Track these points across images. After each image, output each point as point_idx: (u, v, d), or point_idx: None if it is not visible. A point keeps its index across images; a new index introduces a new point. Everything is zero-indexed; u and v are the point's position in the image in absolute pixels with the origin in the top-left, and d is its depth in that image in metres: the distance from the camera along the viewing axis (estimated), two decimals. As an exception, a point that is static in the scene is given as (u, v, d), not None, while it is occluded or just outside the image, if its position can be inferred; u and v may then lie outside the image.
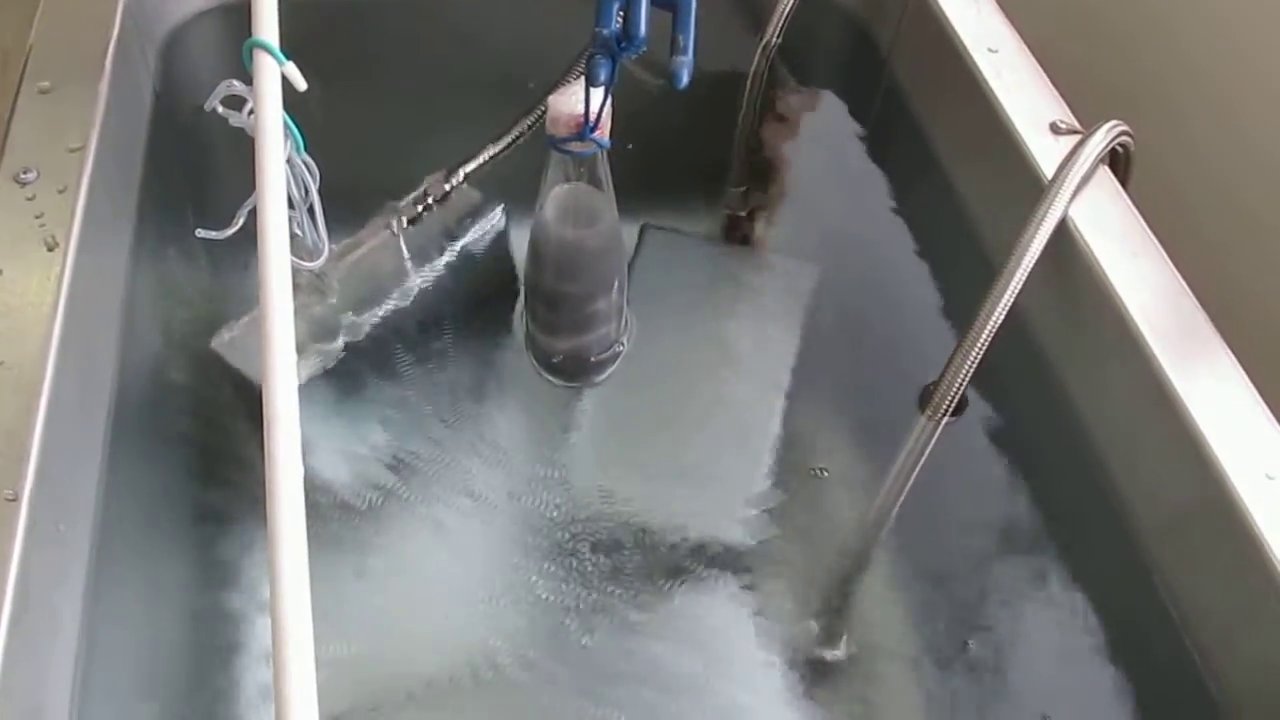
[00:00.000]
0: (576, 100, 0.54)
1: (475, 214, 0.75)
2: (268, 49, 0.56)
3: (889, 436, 0.72)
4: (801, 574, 0.68)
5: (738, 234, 0.87)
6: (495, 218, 0.75)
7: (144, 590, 0.61)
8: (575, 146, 0.56)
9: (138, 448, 0.61)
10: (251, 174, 0.51)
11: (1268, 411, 0.55)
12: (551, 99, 0.55)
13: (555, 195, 0.61)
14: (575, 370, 0.71)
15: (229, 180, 0.74)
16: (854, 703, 0.64)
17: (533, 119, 0.74)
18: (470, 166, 0.73)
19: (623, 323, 0.70)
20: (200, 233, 0.61)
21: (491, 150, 0.74)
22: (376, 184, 0.75)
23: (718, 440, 0.71)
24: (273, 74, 0.56)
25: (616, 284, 0.65)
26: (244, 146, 0.53)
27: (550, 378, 0.71)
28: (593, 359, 0.69)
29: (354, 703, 0.61)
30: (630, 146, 0.83)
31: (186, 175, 0.75)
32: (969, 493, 0.69)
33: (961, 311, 0.73)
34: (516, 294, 0.79)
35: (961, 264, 0.76)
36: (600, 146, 0.56)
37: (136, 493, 0.60)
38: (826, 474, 0.72)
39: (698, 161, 0.90)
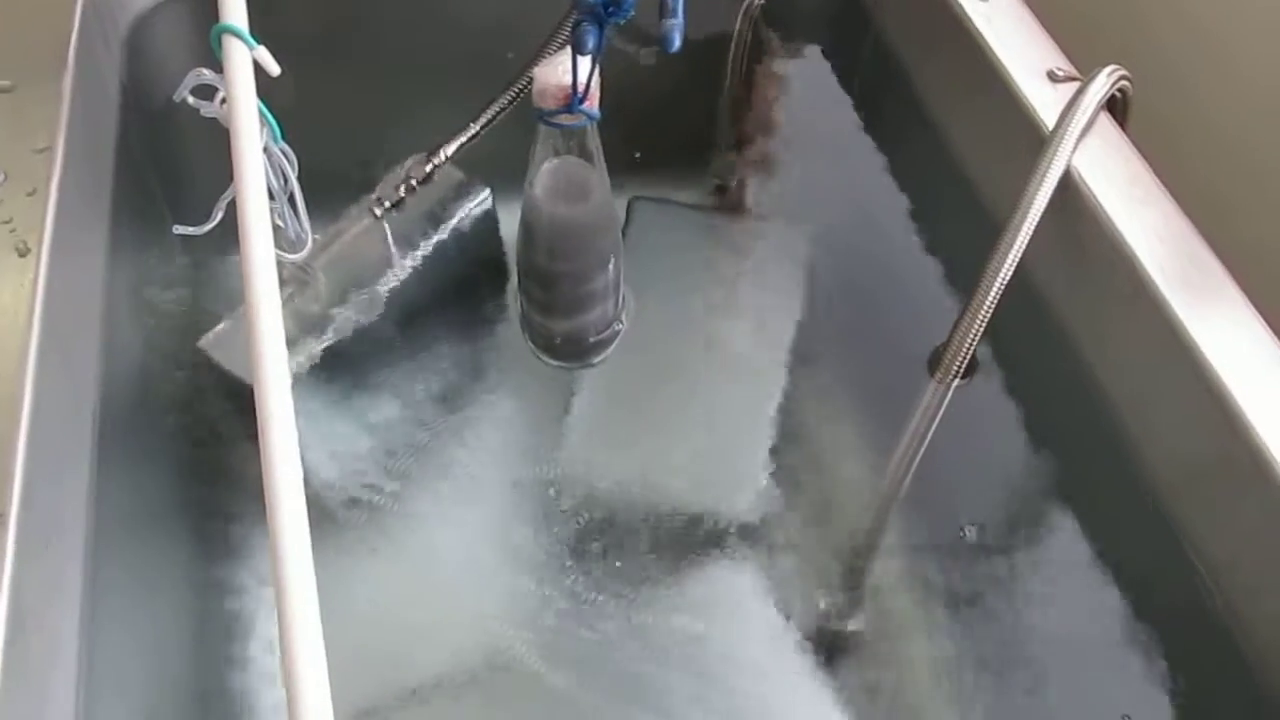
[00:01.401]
0: (563, 71, 0.52)
1: (460, 195, 0.73)
2: (237, 34, 0.54)
3: (897, 400, 0.70)
4: (814, 545, 0.67)
5: (729, 202, 0.86)
6: (481, 198, 0.73)
7: (144, 599, 0.59)
8: (564, 119, 0.54)
9: (127, 455, 0.59)
10: (228, 165, 0.49)
11: None
12: (537, 70, 0.53)
13: (545, 171, 0.59)
14: (574, 351, 0.69)
15: (205, 173, 0.71)
16: (873, 673, 0.63)
17: (515, 93, 0.72)
18: (452, 147, 0.71)
19: (620, 300, 0.68)
20: (178, 229, 0.59)
21: (473, 128, 0.71)
22: (356, 169, 0.73)
23: (722, 414, 0.70)
24: (244, 60, 0.54)
25: (612, 260, 0.63)
26: (218, 137, 0.51)
27: (548, 360, 0.70)
28: (592, 339, 0.68)
29: (375, 701, 0.60)
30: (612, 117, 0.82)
31: (160, 170, 0.72)
32: (983, 456, 0.67)
33: (964, 269, 0.72)
34: (507, 275, 0.77)
35: (961, 220, 0.74)
36: (590, 118, 0.54)
37: (129, 501, 0.58)
38: (835, 441, 0.71)
39: (683, 130, 0.88)
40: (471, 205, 0.73)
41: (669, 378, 0.71)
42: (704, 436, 0.69)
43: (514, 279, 0.77)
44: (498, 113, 0.72)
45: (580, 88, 0.52)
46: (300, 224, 0.61)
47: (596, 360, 0.69)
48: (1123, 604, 0.59)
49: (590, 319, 0.66)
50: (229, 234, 0.56)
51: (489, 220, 0.74)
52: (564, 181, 0.58)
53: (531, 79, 0.60)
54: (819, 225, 0.79)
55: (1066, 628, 0.61)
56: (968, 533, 0.65)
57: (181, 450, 0.66)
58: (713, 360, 0.72)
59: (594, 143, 0.57)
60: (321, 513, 0.68)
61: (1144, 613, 0.59)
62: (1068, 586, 0.62)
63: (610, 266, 0.63)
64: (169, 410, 0.66)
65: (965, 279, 0.68)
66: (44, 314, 0.51)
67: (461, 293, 0.74)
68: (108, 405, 0.57)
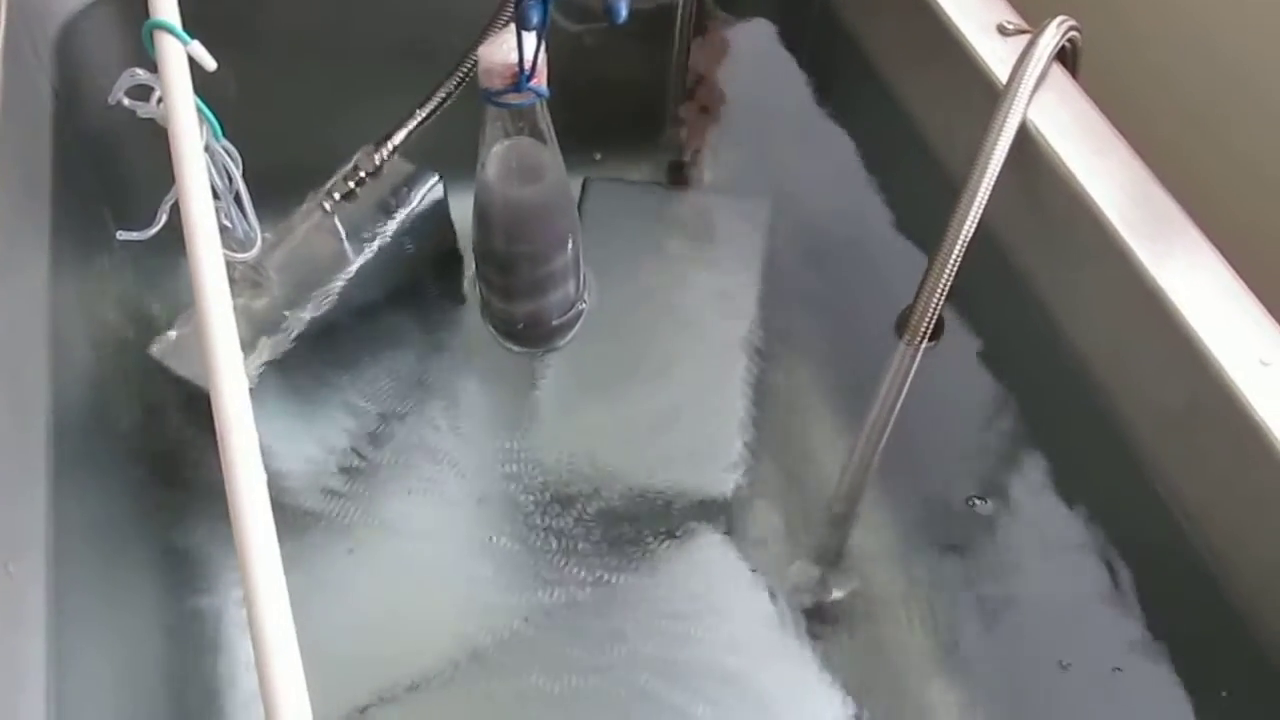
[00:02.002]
0: (509, 49, 0.51)
1: (410, 184, 0.71)
2: (169, 29, 0.52)
3: (866, 365, 0.70)
4: (791, 515, 0.67)
5: (682, 176, 0.85)
6: (431, 184, 0.72)
7: (112, 617, 0.57)
8: (512, 98, 0.53)
9: (86, 471, 0.57)
10: (170, 167, 0.48)
11: (1254, 298, 0.54)
12: (482, 50, 0.52)
13: (496, 153, 0.57)
14: (538, 336, 0.68)
15: (147, 176, 0.69)
16: (857, 639, 0.63)
17: (461, 76, 0.70)
18: (400, 136, 0.69)
19: (581, 280, 0.67)
20: (121, 235, 0.57)
21: (420, 115, 0.70)
22: (302, 164, 0.71)
23: (690, 389, 0.69)
24: (178, 56, 0.52)
25: (570, 240, 0.62)
26: (159, 138, 0.50)
27: (511, 346, 0.69)
28: (555, 321, 0.67)
29: (355, 703, 0.59)
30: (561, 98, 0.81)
31: (101, 176, 0.70)
32: (956, 416, 0.67)
33: (926, 229, 0.71)
34: (462, 262, 0.76)
35: (919, 181, 0.73)
36: (539, 96, 0.53)
37: (90, 518, 0.56)
38: (806, 409, 0.70)
39: (632, 106, 0.86)
40: (422, 193, 0.71)
41: (634, 356, 0.70)
42: (673, 412, 0.68)
43: (471, 265, 0.76)
44: (445, 98, 0.71)
45: (527, 64, 0.51)
46: (248, 223, 0.59)
47: (561, 344, 0.68)
48: (1107, 558, 0.60)
49: (552, 301, 0.65)
50: (177, 237, 0.55)
51: (441, 207, 0.73)
52: (516, 162, 0.57)
53: (476, 61, 0.58)
54: (776, 194, 0.78)
55: (1052, 585, 0.61)
56: (946, 493, 0.65)
57: (141, 461, 0.65)
58: (677, 336, 0.71)
59: (544, 121, 0.56)
60: (290, 515, 0.67)
61: (1129, 565, 0.59)
62: (1049, 543, 0.62)
63: (569, 246, 0.62)
64: (125, 419, 0.64)
65: (928, 239, 0.67)
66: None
67: (418, 282, 0.72)
68: (61, 422, 0.55)
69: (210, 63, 0.52)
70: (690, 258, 0.75)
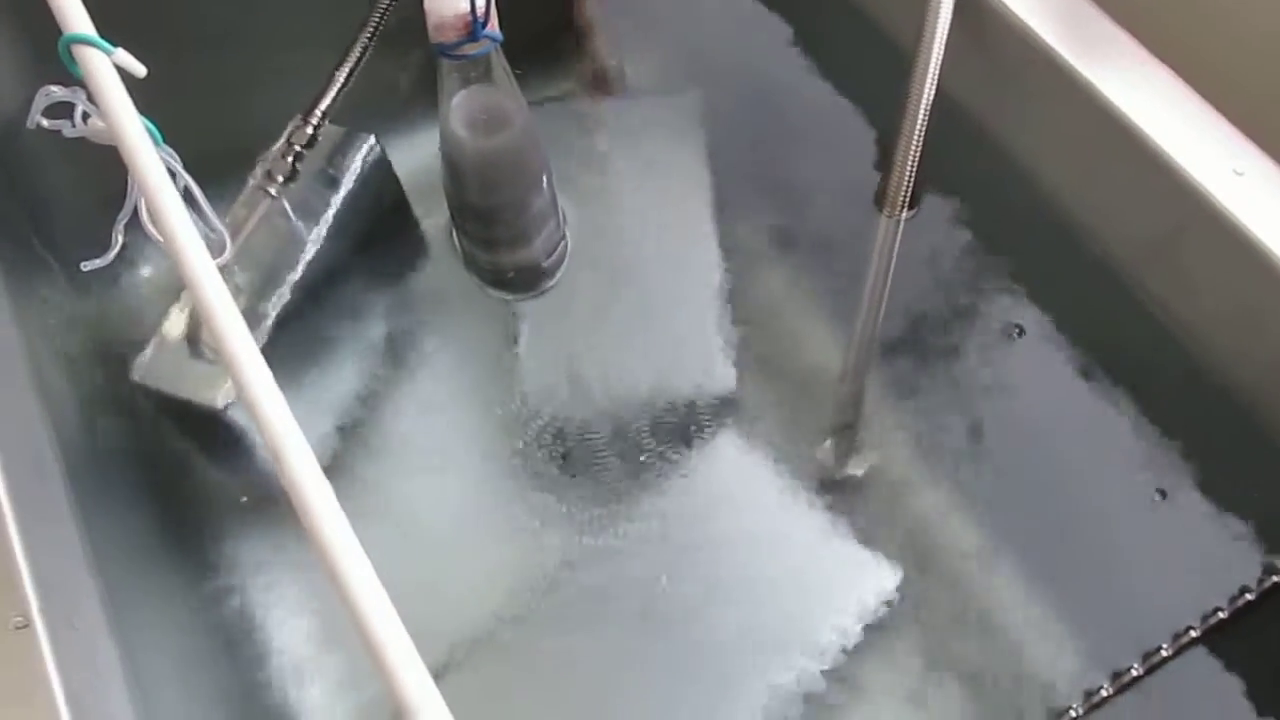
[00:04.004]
0: None
1: (347, 150, 0.69)
2: (90, 42, 0.49)
3: (833, 239, 0.71)
4: (796, 402, 0.68)
5: (604, 84, 0.83)
6: (370, 145, 0.69)
7: (166, 635, 0.57)
8: (470, 49, 0.51)
9: (105, 503, 0.55)
10: (104, 185, 0.48)
11: (1215, 110, 0.55)
12: (429, 4, 0.49)
13: (459, 105, 0.55)
14: (531, 279, 0.67)
15: (77, 199, 0.66)
16: (883, 509, 0.64)
17: (374, 27, 0.67)
18: (326, 101, 0.66)
19: (560, 215, 0.66)
20: (86, 265, 0.54)
21: (341, 76, 0.67)
22: (224, 151, 0.67)
23: (671, 297, 0.69)
24: (105, 68, 0.49)
25: (546, 178, 0.61)
26: (86, 157, 0.49)
27: (505, 295, 0.68)
28: (544, 263, 0.66)
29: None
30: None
31: (27, 209, 0.66)
32: (946, 281, 0.68)
33: (865, 97, 0.71)
34: (414, 218, 0.74)
35: (849, 48, 0.73)
36: (494, 41, 0.51)
37: (120, 547, 0.55)
38: (791, 299, 0.71)
39: (535, 23, 0.84)
40: (363, 156, 0.69)
41: (608, 278, 0.69)
42: (660, 323, 0.68)
43: (424, 220, 0.74)
44: (363, 52, 0.68)
45: (480, 12, 0.49)
46: (211, 224, 0.57)
47: (552, 284, 0.67)
48: (1111, 393, 0.61)
49: (539, 244, 0.64)
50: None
51: (384, 166, 0.71)
52: (480, 112, 0.56)
53: (389, 7, 0.56)
54: (709, 87, 0.77)
55: (1068, 423, 0.63)
56: (949, 354, 0.66)
57: (152, 479, 0.63)
58: (642, 251, 0.71)
59: (500, 64, 0.54)
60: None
61: (1134, 395, 0.61)
62: (1058, 390, 0.63)
63: (545, 184, 0.61)
64: (128, 447, 0.63)
65: (871, 107, 0.67)
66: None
67: (377, 246, 0.70)
68: (72, 465, 0.53)
69: (139, 69, 0.49)
70: (635, 167, 0.74)
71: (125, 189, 0.66)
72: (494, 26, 0.51)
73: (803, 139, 0.75)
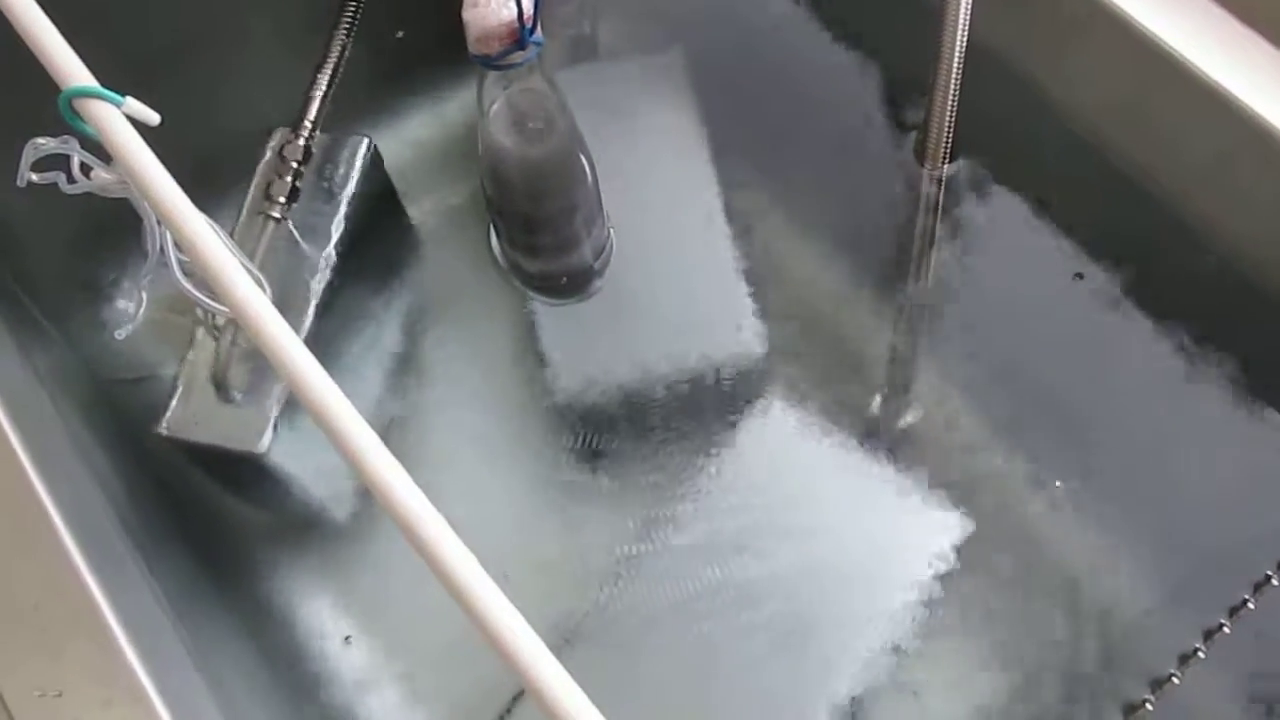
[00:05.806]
0: (500, 5, 0.46)
1: (344, 157, 0.66)
2: (97, 94, 0.46)
3: (846, 190, 0.70)
4: (835, 364, 0.67)
5: (584, 52, 0.81)
6: (364, 150, 0.67)
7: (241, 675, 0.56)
8: (517, 57, 0.48)
9: (163, 554, 0.54)
10: (93, 237, 0.48)
11: (1256, 32, 0.54)
12: (468, 15, 0.47)
13: (499, 114, 0.52)
14: (583, 282, 0.64)
15: (72, 258, 0.63)
16: (939, 454, 0.64)
17: (349, 23, 0.64)
18: (314, 108, 0.64)
19: (605, 212, 0.63)
20: (120, 333, 0.52)
21: (324, 81, 0.64)
22: (218, 172, 0.65)
23: (690, 266, 0.68)
24: (117, 120, 0.46)
25: (591, 176, 0.58)
26: (72, 213, 0.48)
27: (555, 300, 0.65)
28: (595, 264, 0.63)
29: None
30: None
31: (19, 280, 0.63)
32: (988, 233, 0.67)
33: (861, 28, 0.69)
34: (402, 212, 0.72)
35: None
36: (539, 45, 0.48)
37: (184, 591, 0.54)
38: (804, 246, 0.69)
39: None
40: (360, 163, 0.67)
41: (626, 257, 0.68)
42: (684, 295, 0.66)
43: (410, 209, 0.73)
44: (341, 53, 0.65)
45: (528, 18, 0.46)
46: (246, 267, 0.55)
47: (602, 282, 0.65)
48: (1175, 323, 0.62)
49: (588, 246, 0.62)
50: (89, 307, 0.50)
51: (378, 168, 0.69)
52: (527, 119, 0.53)
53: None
54: (689, 41, 0.74)
55: (1121, 362, 0.63)
56: (991, 305, 0.66)
57: (199, 525, 0.62)
58: (651, 217, 0.69)
59: (539, 65, 0.51)
60: (347, 523, 0.65)
61: (1200, 328, 0.60)
62: (1110, 326, 0.63)
63: (591, 182, 0.58)
64: (173, 496, 0.61)
65: (869, 51, 0.65)
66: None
67: (374, 247, 0.68)
68: (126, 521, 0.52)
69: (153, 117, 0.47)
70: (621, 135, 0.71)
71: (97, 228, 0.63)
72: (540, 30, 0.48)
73: (796, 86, 0.73)
